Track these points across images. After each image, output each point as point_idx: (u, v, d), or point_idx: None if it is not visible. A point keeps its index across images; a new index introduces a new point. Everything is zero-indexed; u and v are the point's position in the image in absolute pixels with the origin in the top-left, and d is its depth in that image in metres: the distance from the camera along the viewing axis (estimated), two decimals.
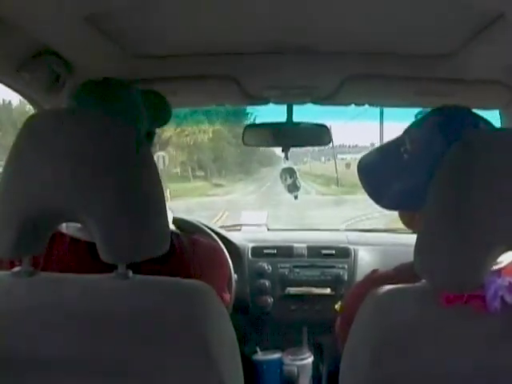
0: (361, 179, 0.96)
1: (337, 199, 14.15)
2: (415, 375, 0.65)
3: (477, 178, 0.62)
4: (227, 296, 0.99)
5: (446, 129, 0.86)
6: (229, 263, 1.03)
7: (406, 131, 0.93)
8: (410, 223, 0.94)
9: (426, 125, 0.89)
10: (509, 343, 0.63)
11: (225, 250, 1.33)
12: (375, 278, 0.91)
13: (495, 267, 0.67)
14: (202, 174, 25.12)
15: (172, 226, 1.13)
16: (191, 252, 0.90)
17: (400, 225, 1.00)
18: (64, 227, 0.86)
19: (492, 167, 0.62)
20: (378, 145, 1.03)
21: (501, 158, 0.62)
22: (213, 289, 0.73)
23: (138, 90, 0.98)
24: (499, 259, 0.67)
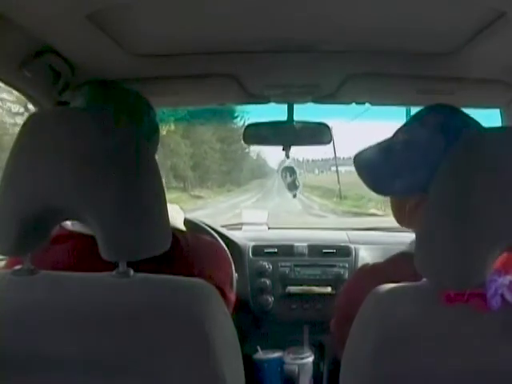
0: (360, 175, 0.96)
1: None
2: (416, 374, 0.65)
3: (478, 177, 0.62)
4: (232, 295, 0.98)
5: (446, 128, 0.86)
6: (231, 261, 1.03)
7: (404, 129, 0.94)
8: (398, 211, 0.95)
9: (426, 123, 0.90)
10: (509, 342, 0.63)
11: (226, 249, 1.33)
12: (365, 271, 0.92)
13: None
14: (181, 184, 21.78)
15: (183, 227, 1.13)
16: (194, 249, 0.90)
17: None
18: (69, 224, 0.86)
19: (493, 166, 0.62)
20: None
21: (502, 157, 0.62)
22: (214, 287, 0.73)
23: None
24: None
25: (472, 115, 0.93)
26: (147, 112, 0.96)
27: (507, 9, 0.87)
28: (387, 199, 1.00)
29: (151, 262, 0.71)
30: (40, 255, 0.84)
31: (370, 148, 0.99)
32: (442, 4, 0.92)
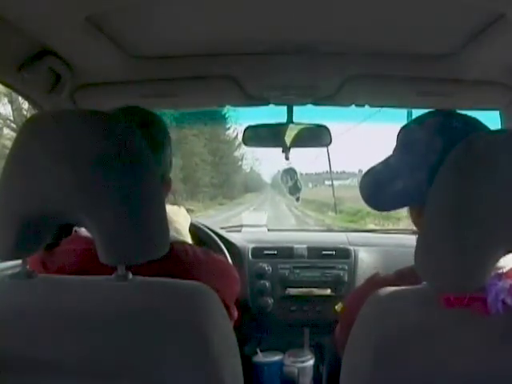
0: (361, 191, 0.95)
1: None
2: (416, 377, 0.65)
3: (478, 180, 0.62)
4: (236, 313, 0.99)
5: (444, 131, 0.86)
6: (239, 281, 1.04)
7: (403, 133, 0.94)
8: (417, 220, 0.94)
9: (424, 127, 0.89)
10: (509, 346, 0.63)
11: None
12: (376, 282, 0.91)
13: (498, 271, 0.67)
14: (171, 196, 21.58)
15: (189, 236, 1.12)
16: (205, 264, 0.91)
17: (399, 226, 0.99)
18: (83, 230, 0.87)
19: (493, 169, 0.62)
20: (365, 170, 1.00)
21: (502, 159, 0.62)
22: (212, 290, 0.73)
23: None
24: (501, 264, 0.67)
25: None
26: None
27: (506, 10, 0.87)
28: (385, 213, 0.99)
29: (159, 274, 0.72)
30: (47, 257, 0.86)
31: (375, 165, 0.97)
32: (442, 6, 0.92)
